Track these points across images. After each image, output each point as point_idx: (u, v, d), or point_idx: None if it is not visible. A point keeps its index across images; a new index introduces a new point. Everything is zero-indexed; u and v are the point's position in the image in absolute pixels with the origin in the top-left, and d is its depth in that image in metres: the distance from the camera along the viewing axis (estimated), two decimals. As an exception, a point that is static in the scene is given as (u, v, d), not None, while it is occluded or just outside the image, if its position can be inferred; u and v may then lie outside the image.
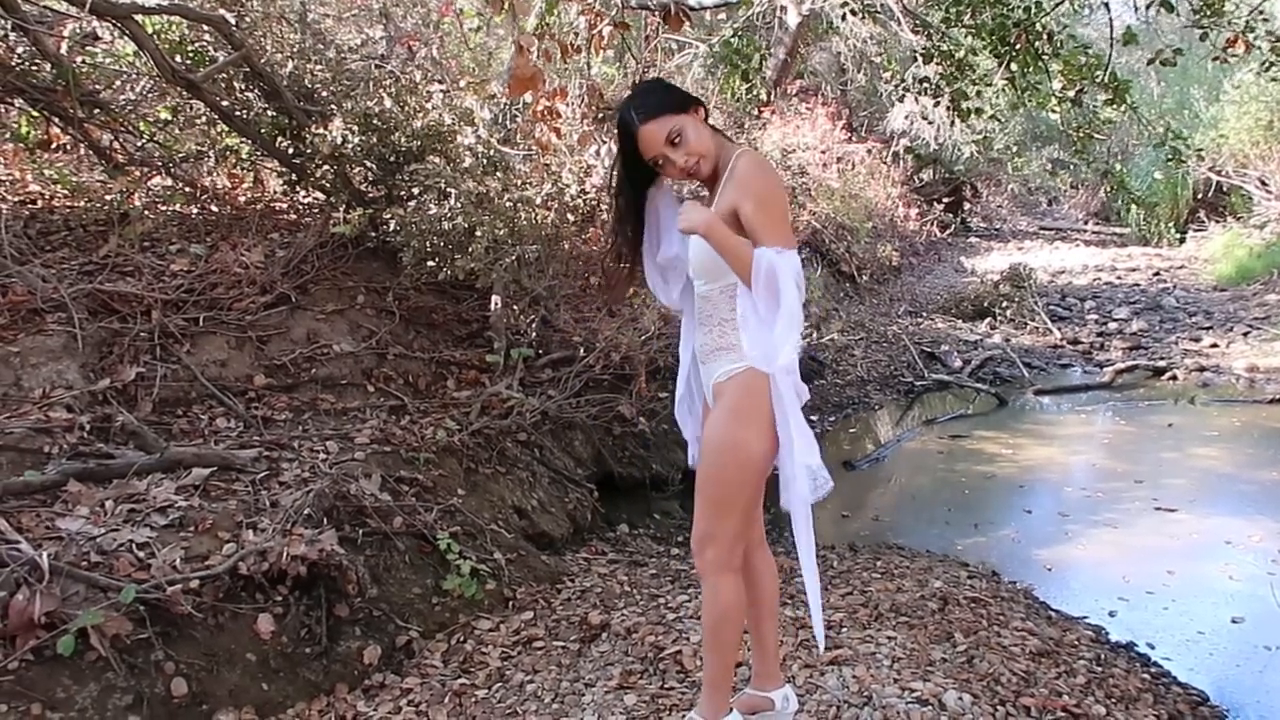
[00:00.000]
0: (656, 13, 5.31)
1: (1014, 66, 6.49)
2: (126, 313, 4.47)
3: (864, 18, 8.74)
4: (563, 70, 5.74)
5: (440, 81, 5.93)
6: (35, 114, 5.54)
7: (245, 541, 3.30)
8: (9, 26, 4.89)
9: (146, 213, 5.38)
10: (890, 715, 2.78)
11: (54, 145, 5.91)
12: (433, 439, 4.47)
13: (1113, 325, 11.19)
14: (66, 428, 3.71)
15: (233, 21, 5.36)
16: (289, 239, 5.61)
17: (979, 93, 7.10)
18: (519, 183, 5.38)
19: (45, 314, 4.21)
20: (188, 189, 5.82)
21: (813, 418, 7.46)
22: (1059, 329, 10.89)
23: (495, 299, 5.51)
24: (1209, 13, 6.10)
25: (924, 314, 11.85)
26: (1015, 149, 19.37)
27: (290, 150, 5.78)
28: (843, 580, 4.25)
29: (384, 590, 3.59)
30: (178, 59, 5.41)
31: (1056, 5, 6.57)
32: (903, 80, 8.39)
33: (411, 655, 3.47)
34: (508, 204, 5.19)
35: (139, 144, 5.91)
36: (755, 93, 11.39)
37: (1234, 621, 4.12)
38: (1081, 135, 8.44)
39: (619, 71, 8.68)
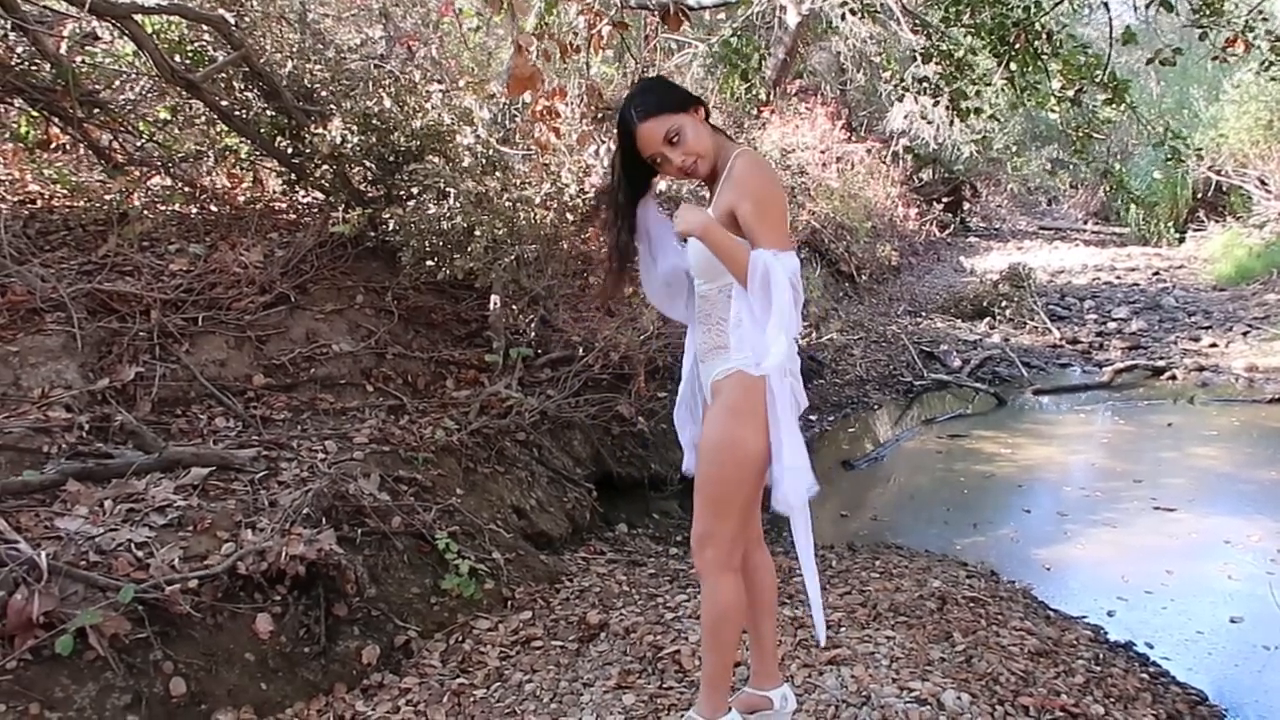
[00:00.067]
0: (655, 12, 5.31)
1: (1013, 66, 6.49)
2: (125, 312, 4.47)
3: (863, 17, 8.73)
4: (562, 70, 5.73)
5: (439, 81, 5.93)
6: (35, 114, 5.54)
7: (244, 541, 3.31)
8: (9, 26, 4.89)
9: (146, 212, 5.38)
10: (889, 715, 2.78)
11: (53, 145, 5.90)
12: (431, 439, 4.47)
13: (1112, 325, 11.19)
14: (65, 427, 3.72)
15: (232, 21, 5.36)
16: (288, 239, 5.61)
17: (978, 92, 7.10)
18: (518, 182, 5.38)
19: (44, 313, 4.21)
20: (187, 189, 5.82)
21: (812, 417, 7.46)
22: (1058, 329, 10.89)
23: (494, 298, 5.51)
24: (1208, 12, 6.10)
25: (923, 313, 11.85)
26: (1015, 149, 19.36)
27: (289, 150, 5.78)
28: (841, 580, 4.25)
29: (382, 590, 3.59)
30: (177, 59, 5.41)
31: (1056, 5, 6.57)
32: (902, 80, 8.39)
33: (410, 655, 3.47)
34: (507, 204, 5.19)
35: (138, 144, 5.91)
36: (754, 92, 11.39)
37: (1233, 621, 4.12)
38: (1081, 135, 8.43)
39: (618, 71, 8.68)
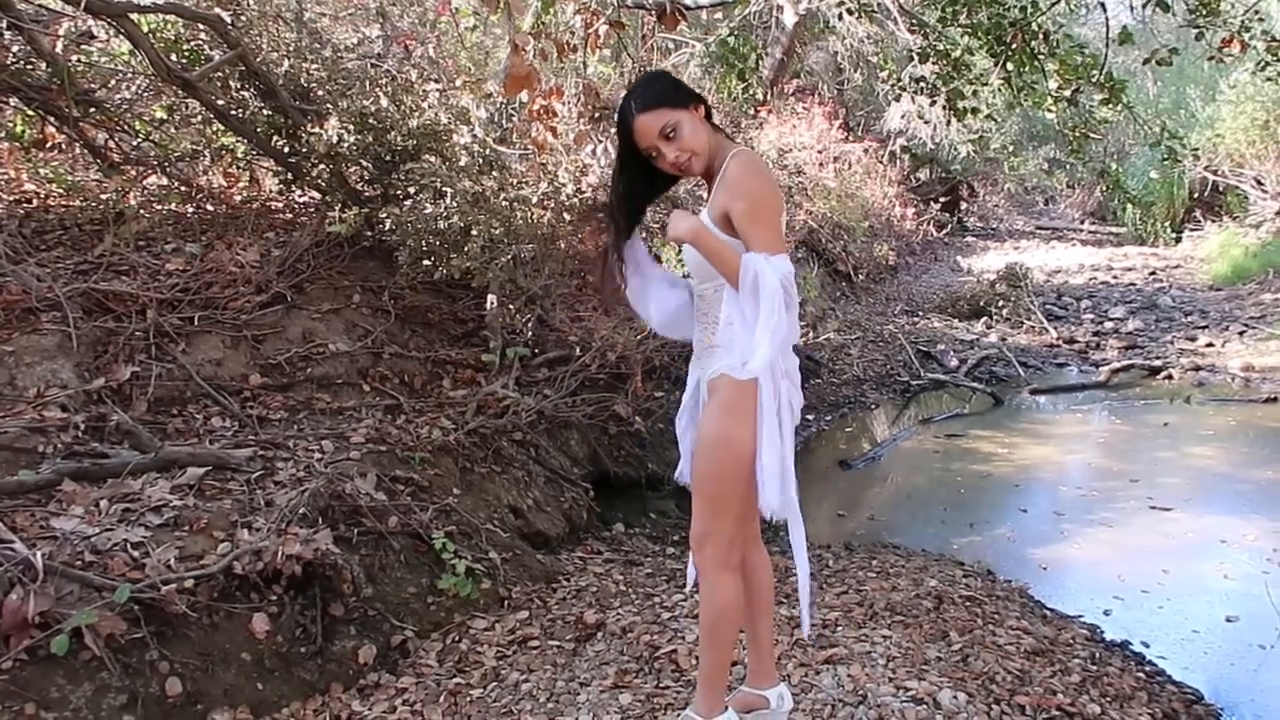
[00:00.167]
0: (652, 11, 5.31)
1: (1010, 66, 6.50)
2: (121, 312, 4.46)
3: (860, 17, 8.74)
4: (559, 69, 5.74)
5: (436, 80, 5.93)
6: (30, 113, 5.53)
7: (240, 541, 3.30)
8: (4, 25, 4.87)
9: (142, 212, 5.37)
10: (885, 714, 2.78)
11: (49, 144, 5.89)
12: (428, 438, 4.46)
13: (1108, 324, 11.20)
14: (61, 427, 3.71)
15: (228, 20, 5.35)
16: (284, 238, 5.61)
17: (975, 92, 7.10)
18: (515, 182, 5.38)
19: (40, 313, 4.20)
20: (183, 188, 5.81)
21: (809, 417, 7.46)
22: (1055, 328, 10.90)
23: (491, 298, 5.50)
24: (1205, 12, 6.11)
25: (920, 313, 11.86)
26: (1011, 148, 19.38)
27: (286, 149, 5.77)
28: (838, 579, 4.25)
29: (379, 590, 3.59)
30: (173, 58, 5.40)
31: (1053, 5, 6.58)
32: (899, 80, 8.39)
33: (406, 654, 3.47)
34: (504, 203, 5.19)
35: (134, 143, 5.90)
36: (752, 92, 11.38)
37: (1229, 620, 4.12)
38: (1078, 135, 8.43)
39: (615, 71, 8.68)
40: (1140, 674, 3.60)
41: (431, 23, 6.88)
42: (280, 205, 6.25)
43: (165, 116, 5.98)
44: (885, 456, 6.86)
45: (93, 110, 5.48)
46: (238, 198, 6.13)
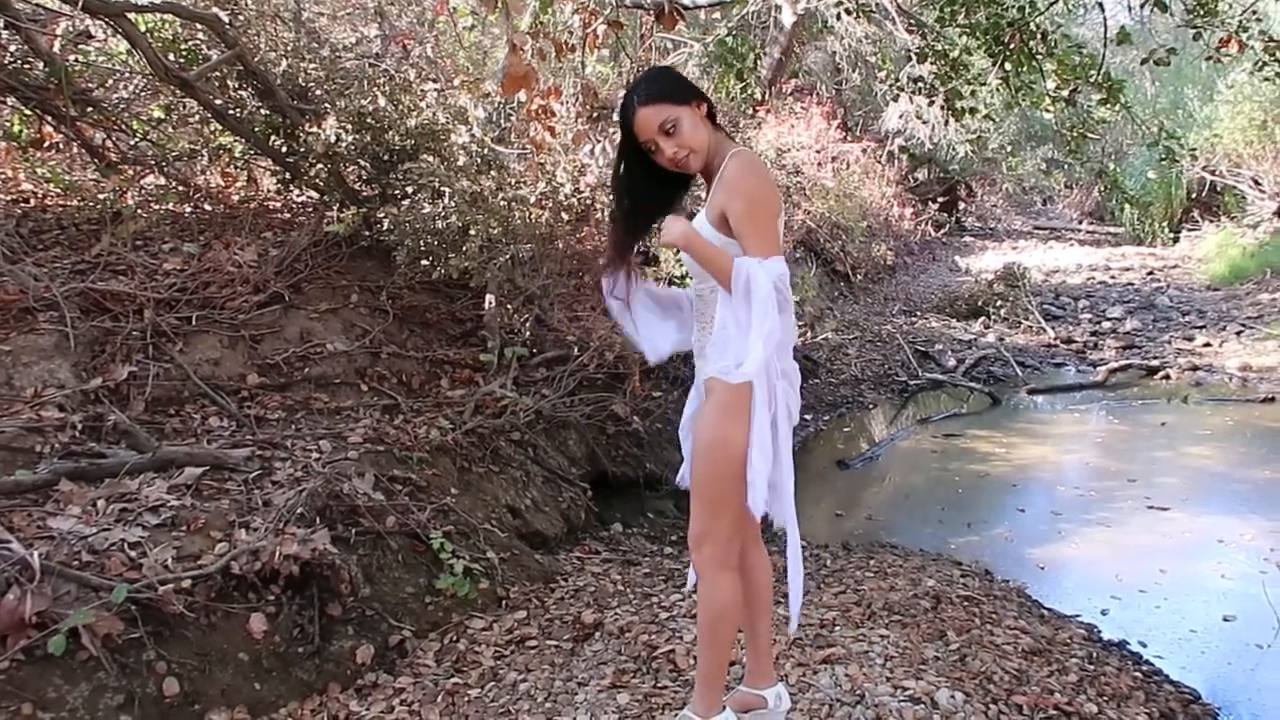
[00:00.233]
0: (650, 11, 5.31)
1: (1008, 66, 6.50)
2: (119, 311, 4.46)
3: (858, 17, 8.74)
4: (557, 69, 5.74)
5: (434, 80, 5.92)
6: (28, 112, 5.52)
7: (238, 541, 3.30)
8: (1, 25, 4.87)
9: (139, 211, 5.37)
10: (883, 714, 2.78)
11: (46, 144, 5.88)
12: (426, 438, 4.46)
13: (1106, 324, 11.22)
14: (58, 427, 3.71)
15: (226, 20, 5.35)
16: (282, 238, 5.60)
17: (973, 92, 7.10)
18: (513, 182, 5.37)
19: (37, 313, 4.20)
20: (181, 188, 5.81)
21: (807, 417, 7.46)
22: (1053, 328, 10.91)
23: (489, 298, 5.50)
24: (1202, 13, 6.11)
25: (918, 313, 11.87)
26: (1010, 148, 19.40)
27: (284, 149, 5.77)
28: (836, 579, 4.25)
29: (377, 590, 3.58)
30: (171, 57, 5.40)
31: (1051, 5, 6.57)
32: (897, 80, 8.39)
33: (404, 654, 3.46)
34: (502, 203, 5.19)
35: (132, 142, 5.89)
36: (750, 92, 11.37)
37: (1226, 620, 4.13)
38: (1076, 135, 8.44)
39: (613, 70, 8.68)
40: (1137, 673, 3.60)
41: (429, 22, 6.89)
42: (278, 205, 6.24)
43: (163, 116, 5.98)
44: (883, 456, 6.87)
45: (90, 110, 5.47)
46: (235, 197, 6.13)
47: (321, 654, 3.28)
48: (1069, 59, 6.66)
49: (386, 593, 3.62)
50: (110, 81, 5.79)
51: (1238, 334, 10.22)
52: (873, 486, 6.37)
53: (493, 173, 5.36)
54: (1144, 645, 3.92)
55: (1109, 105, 6.84)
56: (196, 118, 5.87)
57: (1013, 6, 6.30)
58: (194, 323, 4.62)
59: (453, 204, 5.13)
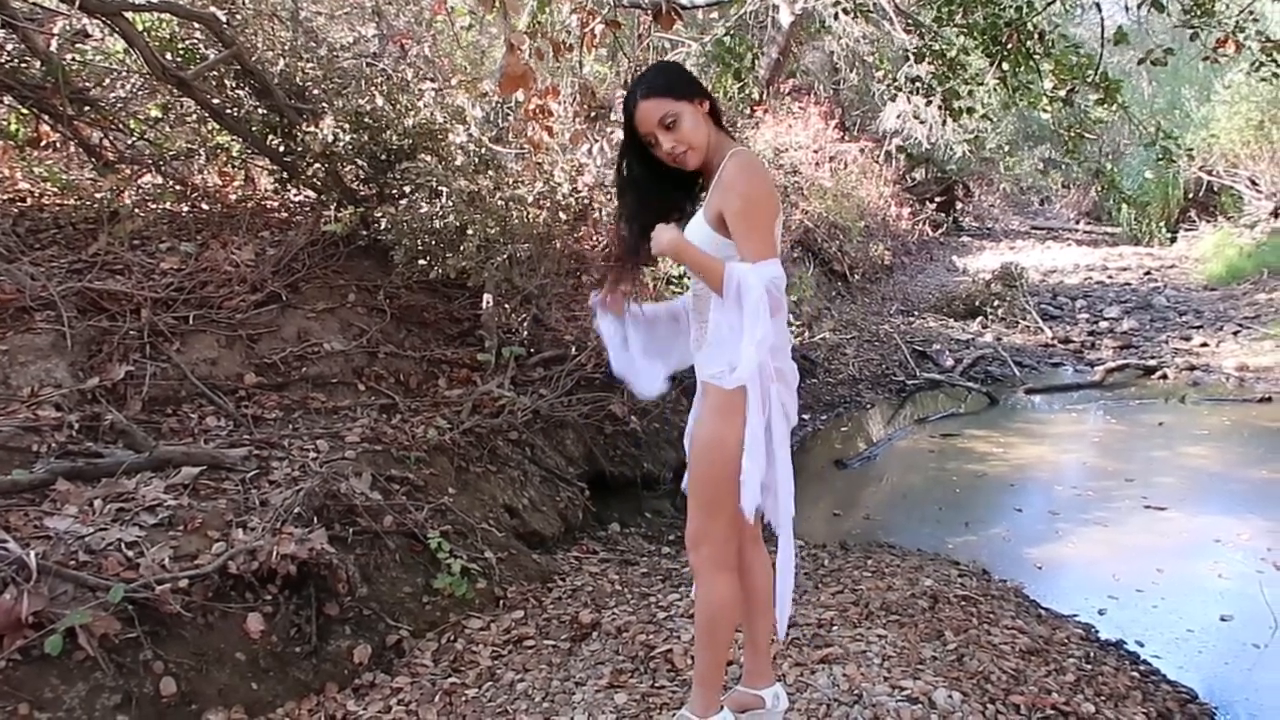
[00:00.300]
0: (648, 11, 5.31)
1: (1005, 66, 6.50)
2: (116, 311, 4.45)
3: (856, 17, 8.74)
4: (555, 69, 5.73)
5: (432, 80, 5.92)
6: (25, 111, 5.52)
7: (235, 540, 3.30)
8: (-2, 23, 4.87)
9: (136, 211, 5.36)
10: (880, 713, 2.78)
11: (43, 143, 5.88)
12: (423, 438, 4.46)
13: (1104, 324, 11.23)
14: (55, 426, 3.70)
15: (223, 19, 5.35)
16: (280, 237, 5.60)
17: (971, 92, 7.11)
18: (511, 181, 5.37)
19: (34, 312, 4.19)
20: (178, 187, 5.80)
21: (805, 416, 7.46)
22: (1050, 328, 10.92)
23: (487, 298, 5.50)
24: (1199, 13, 6.12)
25: (916, 313, 11.88)
26: (1007, 148, 19.41)
27: (281, 148, 5.76)
28: (833, 579, 4.25)
29: (374, 589, 3.58)
30: (168, 56, 5.39)
31: (1048, 5, 6.58)
32: (895, 80, 8.39)
33: (402, 654, 3.46)
34: (499, 202, 5.19)
35: (129, 142, 5.89)
36: (748, 92, 11.39)
37: (1223, 619, 4.13)
38: (1073, 135, 8.45)
39: (611, 70, 8.68)
40: (1135, 673, 3.60)
41: (427, 22, 6.88)
42: (275, 204, 6.24)
43: (160, 115, 5.98)
44: (881, 456, 6.87)
45: (87, 109, 5.47)
46: (233, 197, 6.12)
47: (319, 654, 3.28)
48: (1066, 59, 6.67)
49: (384, 592, 3.62)
50: (107, 80, 5.78)
51: (1235, 334, 10.23)
52: (870, 486, 6.37)
53: (490, 172, 5.36)
54: (1141, 645, 3.92)
55: (1106, 105, 6.85)
56: (194, 117, 5.87)
57: (1010, 6, 6.30)
58: (191, 322, 4.61)
59: (450, 203, 5.12)
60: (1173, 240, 17.48)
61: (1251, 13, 6.33)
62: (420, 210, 5.16)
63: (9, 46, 5.16)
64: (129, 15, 5.01)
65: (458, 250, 5.05)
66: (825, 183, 12.36)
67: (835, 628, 3.53)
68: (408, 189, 5.34)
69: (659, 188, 2.48)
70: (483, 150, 5.43)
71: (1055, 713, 2.99)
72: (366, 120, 5.37)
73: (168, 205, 5.66)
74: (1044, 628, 3.85)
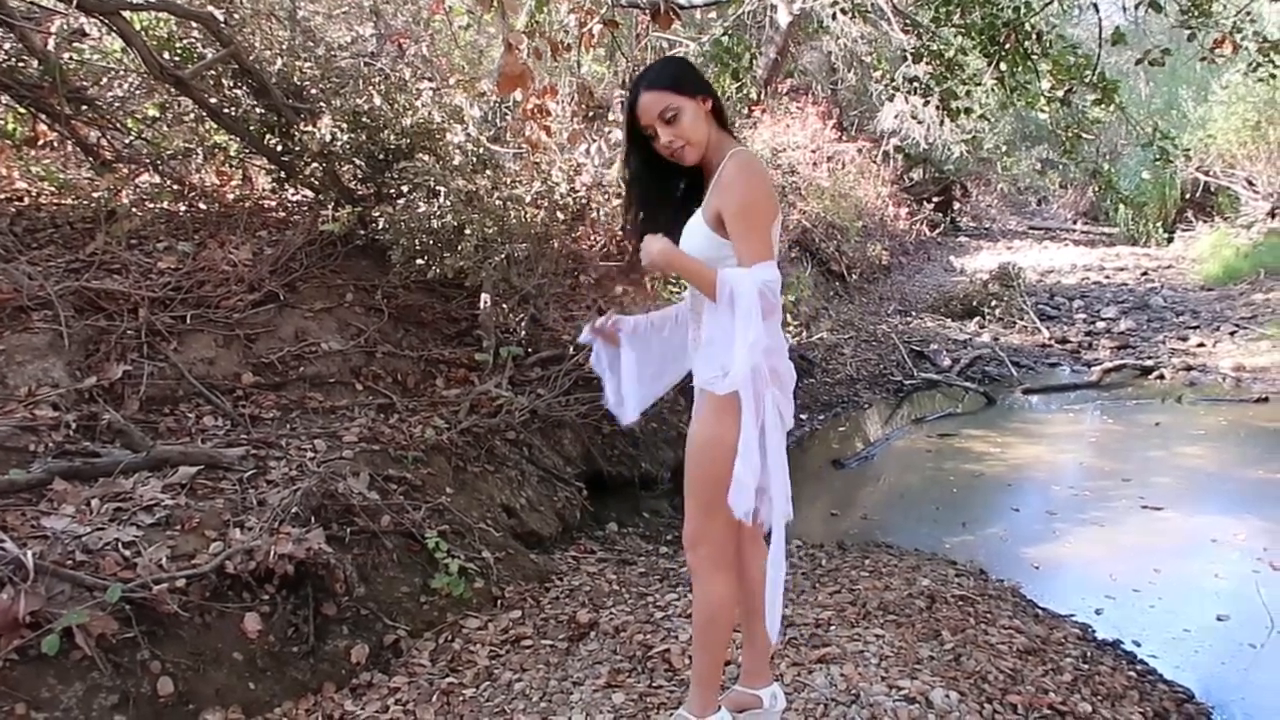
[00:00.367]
0: (646, 11, 5.31)
1: (1003, 66, 6.52)
2: (113, 310, 4.45)
3: (854, 17, 8.75)
4: (553, 68, 5.73)
5: (430, 79, 5.92)
6: (22, 110, 5.51)
7: (232, 540, 3.29)
8: (-5, 22, 4.86)
9: (134, 210, 5.36)
10: (878, 713, 2.79)
11: (41, 142, 5.87)
12: (421, 437, 4.46)
13: (1101, 324, 11.24)
14: (52, 426, 3.70)
15: (221, 18, 5.34)
16: (277, 237, 5.59)
17: (968, 92, 7.12)
18: (509, 181, 5.38)
19: (31, 311, 4.19)
20: (175, 186, 5.80)
21: (802, 416, 7.47)
22: (1047, 328, 10.93)
23: (484, 297, 5.50)
24: (1197, 13, 6.13)
25: (913, 313, 11.88)
26: (1005, 148, 19.43)
27: (279, 148, 5.76)
28: (831, 579, 4.26)
29: (371, 589, 3.58)
30: (166, 56, 5.39)
31: (1046, 5, 6.59)
32: (893, 80, 8.40)
33: (399, 654, 3.46)
34: (497, 202, 5.19)
35: (126, 141, 5.88)
36: (746, 92, 11.39)
37: (1219, 619, 4.14)
38: (1070, 135, 8.46)
39: (609, 70, 8.68)
40: (1131, 673, 3.61)
41: (425, 21, 6.88)
42: (273, 204, 6.23)
43: (158, 114, 5.97)
44: (878, 456, 6.87)
45: (85, 108, 5.47)
46: (230, 196, 6.12)
47: (316, 654, 3.27)
48: (1064, 59, 6.68)
49: (381, 592, 3.61)
50: (105, 80, 5.78)
51: (1231, 334, 10.24)
52: (868, 486, 6.38)
53: (488, 172, 5.36)
54: (1138, 645, 3.93)
55: (1104, 105, 6.86)
56: (191, 116, 5.86)
57: (1008, 6, 6.32)
58: (189, 322, 4.61)
59: (448, 203, 5.12)
60: (1170, 240, 17.49)
61: (1249, 13, 6.35)
62: (418, 210, 5.16)
63: (6, 45, 5.15)
64: (127, 14, 5.00)
65: (455, 250, 5.05)
66: (823, 183, 12.37)
67: (833, 627, 3.53)
68: (405, 188, 5.34)
69: (659, 180, 2.49)
70: (480, 150, 5.43)
71: (1052, 712, 3.00)
72: (364, 120, 5.36)
73: (165, 204, 5.65)
74: (1041, 627, 3.85)
